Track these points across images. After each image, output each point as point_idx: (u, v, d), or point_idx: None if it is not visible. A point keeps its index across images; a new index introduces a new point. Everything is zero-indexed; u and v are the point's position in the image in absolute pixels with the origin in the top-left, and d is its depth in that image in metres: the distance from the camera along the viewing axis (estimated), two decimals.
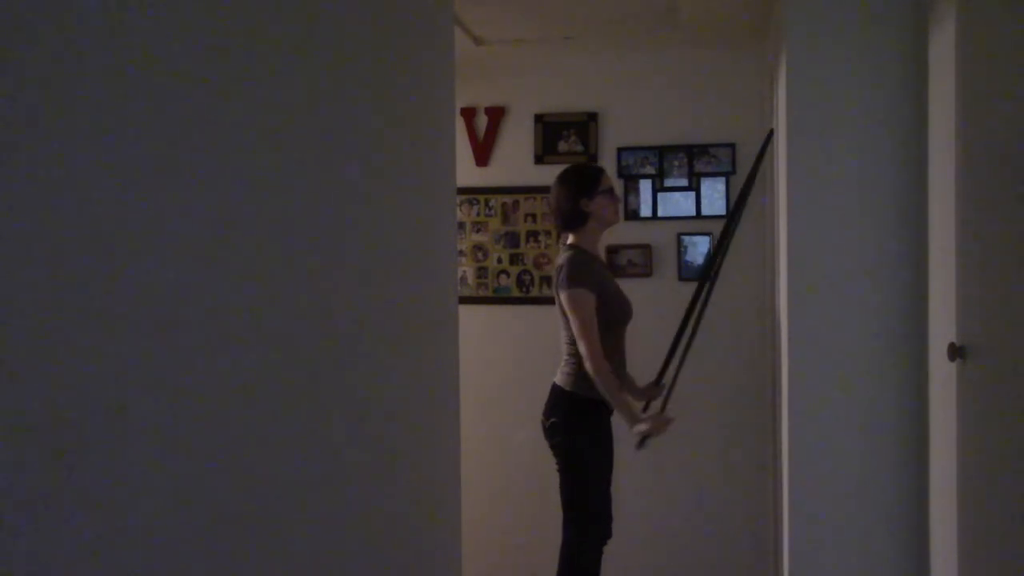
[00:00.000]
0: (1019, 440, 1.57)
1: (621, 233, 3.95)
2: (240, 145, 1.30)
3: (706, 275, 3.32)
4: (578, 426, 3.05)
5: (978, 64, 1.87)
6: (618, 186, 3.98)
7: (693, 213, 4.03)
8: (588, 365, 2.94)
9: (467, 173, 4.14)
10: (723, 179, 4.00)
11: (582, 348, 2.94)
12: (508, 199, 4.19)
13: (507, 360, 4.20)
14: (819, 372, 2.53)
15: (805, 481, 2.56)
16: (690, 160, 4.00)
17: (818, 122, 2.50)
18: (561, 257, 3.10)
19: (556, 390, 3.12)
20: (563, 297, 2.99)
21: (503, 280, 4.21)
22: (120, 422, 1.04)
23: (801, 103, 2.52)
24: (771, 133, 3.42)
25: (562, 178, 3.17)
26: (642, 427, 2.95)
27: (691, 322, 3.21)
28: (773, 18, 3.17)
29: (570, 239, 3.15)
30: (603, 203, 3.11)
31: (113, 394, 1.03)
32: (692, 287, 3.95)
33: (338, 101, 1.63)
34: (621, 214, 3.57)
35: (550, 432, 3.11)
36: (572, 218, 3.11)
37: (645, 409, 3.19)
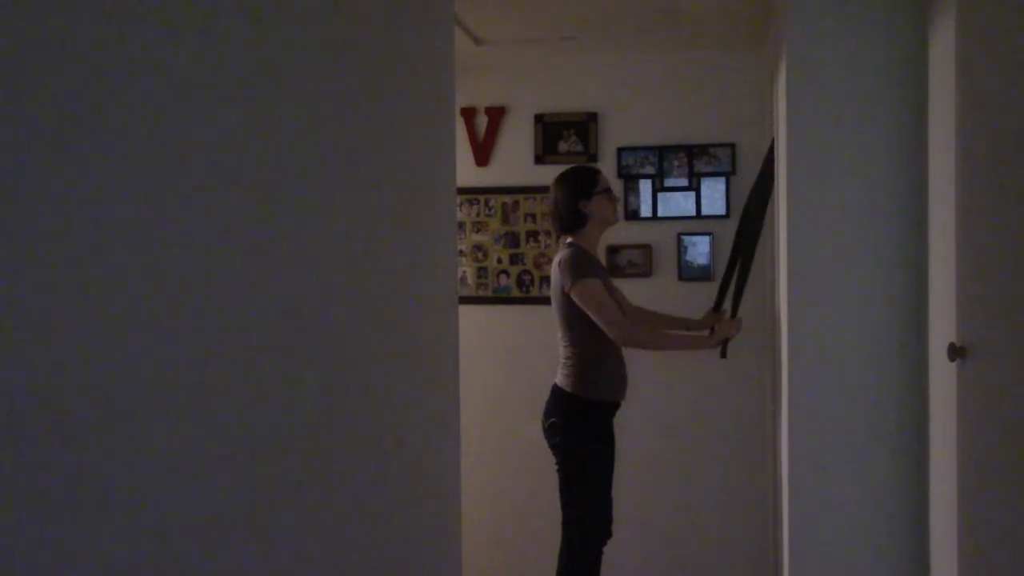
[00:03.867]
0: (1019, 440, 1.57)
1: (621, 233, 3.95)
2: (239, 146, 1.30)
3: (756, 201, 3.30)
4: (578, 427, 3.06)
5: (978, 64, 1.87)
6: (618, 186, 3.98)
7: (693, 213, 4.02)
8: (624, 343, 3.03)
9: (467, 173, 4.14)
10: (723, 179, 3.99)
11: (611, 333, 2.98)
12: (508, 199, 4.19)
13: (507, 360, 4.20)
14: (819, 372, 2.53)
15: (805, 481, 2.56)
16: (690, 160, 4.00)
17: (818, 122, 2.50)
18: (561, 254, 3.10)
19: (557, 391, 3.12)
20: (574, 292, 2.99)
21: (503, 280, 4.21)
22: (120, 422, 1.04)
23: (801, 103, 2.52)
24: (772, 143, 3.42)
25: (559, 181, 3.19)
26: (721, 335, 3.10)
27: (749, 233, 3.23)
28: (773, 18, 3.16)
29: (569, 239, 3.15)
30: (601, 203, 3.12)
31: (113, 393, 1.03)
32: (692, 287, 3.97)
33: (338, 101, 1.63)
34: (621, 214, 3.57)
35: (550, 433, 3.11)
36: (571, 220, 3.12)
37: (711, 333, 3.25)
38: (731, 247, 3.40)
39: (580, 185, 3.12)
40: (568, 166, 3.38)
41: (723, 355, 3.22)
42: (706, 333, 3.27)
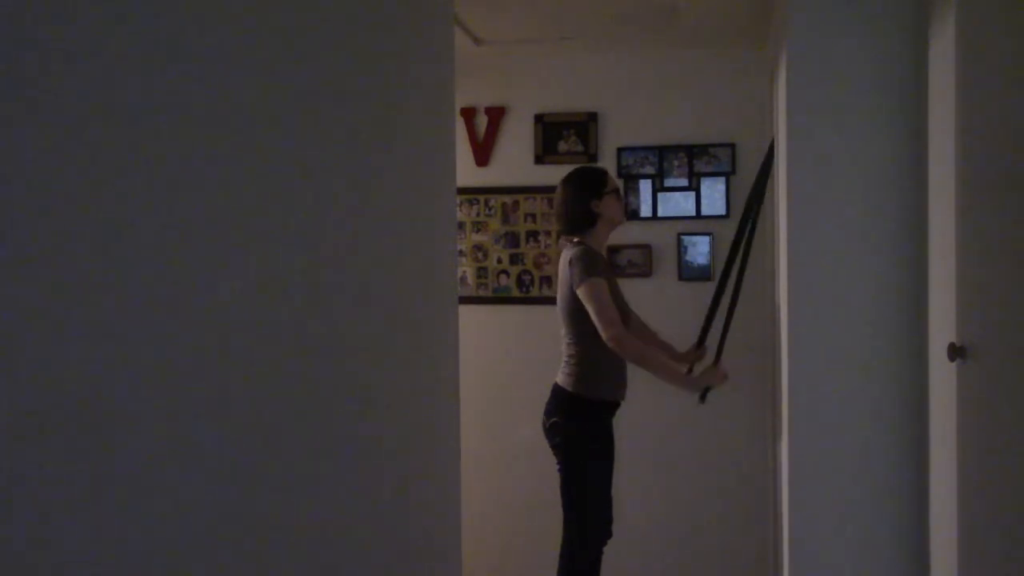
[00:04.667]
0: (1019, 440, 1.57)
1: (621, 233, 3.95)
2: (238, 145, 1.30)
3: (745, 222, 3.29)
4: (579, 427, 3.06)
5: (978, 64, 1.87)
6: (618, 186, 3.98)
7: (693, 213, 4.03)
8: (615, 347, 2.94)
9: (467, 173, 4.14)
10: (723, 179, 4.00)
11: (605, 333, 2.93)
12: (508, 199, 4.19)
13: (507, 360, 4.20)
14: (819, 372, 2.53)
15: (805, 481, 2.56)
16: (690, 160, 4.00)
17: (818, 122, 2.50)
18: (570, 253, 3.10)
19: (557, 390, 3.12)
20: (581, 290, 2.99)
21: (503, 280, 4.21)
22: (115, 421, 1.04)
23: (801, 103, 2.52)
24: (772, 144, 3.42)
25: (568, 181, 3.19)
26: (704, 381, 3.02)
27: (733, 273, 3.22)
28: (773, 18, 3.17)
29: (576, 239, 3.15)
30: (611, 203, 3.13)
31: (110, 392, 1.03)
32: (692, 287, 3.97)
33: (337, 101, 1.63)
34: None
35: (551, 432, 3.11)
36: (581, 220, 3.12)
37: (689, 372, 3.22)
38: (724, 263, 3.36)
39: (591, 185, 3.13)
40: (573, 166, 3.39)
41: (702, 399, 3.12)
42: (685, 368, 3.25)
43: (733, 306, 3.22)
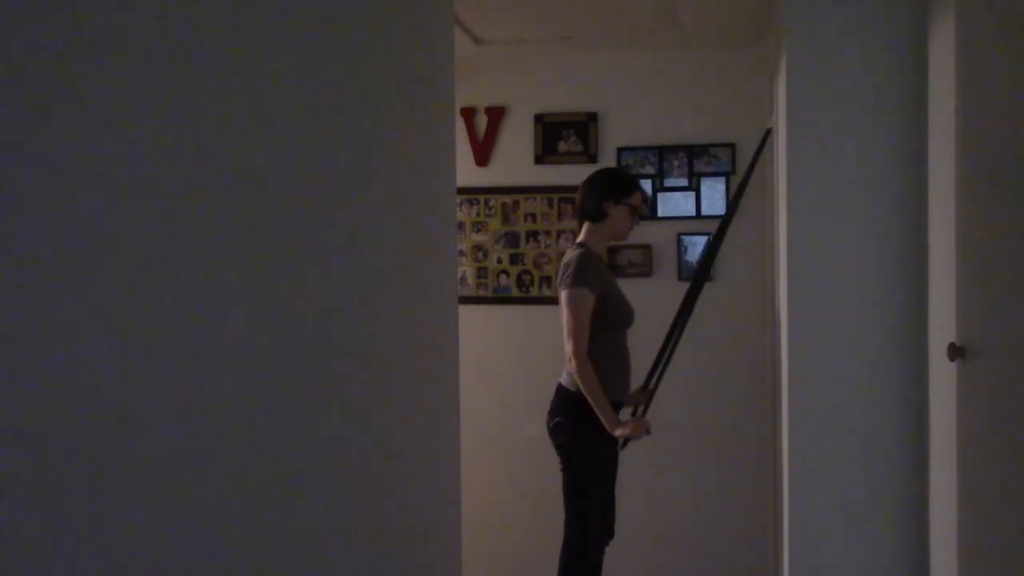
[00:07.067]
0: (1019, 440, 1.57)
1: None
2: (238, 146, 1.30)
3: (697, 276, 3.35)
4: (583, 426, 3.05)
5: (978, 64, 1.87)
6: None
7: (693, 213, 4.03)
8: (573, 363, 2.95)
9: (467, 173, 4.14)
10: (723, 179, 4.00)
11: (569, 346, 2.95)
12: (508, 199, 4.19)
13: (507, 360, 4.20)
14: (819, 372, 2.53)
15: (805, 481, 2.56)
16: (690, 160, 4.00)
17: (818, 122, 2.51)
18: (569, 255, 3.10)
19: (561, 391, 3.11)
20: (564, 295, 3.00)
21: (503, 280, 4.21)
22: (120, 425, 1.04)
23: (801, 103, 2.52)
24: (768, 132, 3.42)
25: (601, 173, 3.22)
26: (624, 431, 2.96)
27: (678, 327, 3.25)
28: (773, 18, 3.17)
29: (581, 236, 3.16)
30: (622, 215, 3.14)
31: (113, 397, 1.03)
32: None
33: (337, 101, 1.63)
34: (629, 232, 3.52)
35: (555, 432, 3.11)
36: (591, 213, 3.14)
37: (634, 413, 3.20)
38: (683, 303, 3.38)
39: (614, 187, 3.14)
40: (573, 167, 3.40)
41: (622, 447, 3.08)
42: (628, 415, 3.23)
43: (671, 355, 3.23)
